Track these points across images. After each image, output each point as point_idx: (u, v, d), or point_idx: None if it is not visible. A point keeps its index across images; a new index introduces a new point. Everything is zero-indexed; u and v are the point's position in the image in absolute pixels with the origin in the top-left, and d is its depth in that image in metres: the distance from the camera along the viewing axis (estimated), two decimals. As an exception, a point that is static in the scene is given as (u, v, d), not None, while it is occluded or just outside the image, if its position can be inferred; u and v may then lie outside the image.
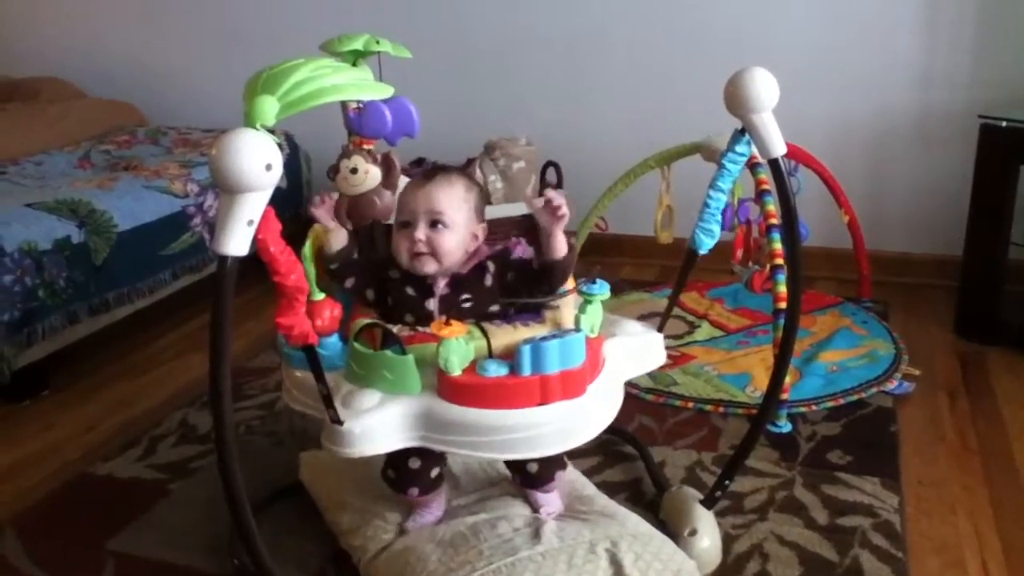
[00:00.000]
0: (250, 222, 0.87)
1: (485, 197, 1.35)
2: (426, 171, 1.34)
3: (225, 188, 0.85)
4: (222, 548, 1.45)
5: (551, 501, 1.42)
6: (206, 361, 0.93)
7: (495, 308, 1.29)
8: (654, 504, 1.54)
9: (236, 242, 0.87)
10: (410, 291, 1.29)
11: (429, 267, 1.27)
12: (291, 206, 2.80)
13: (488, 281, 1.29)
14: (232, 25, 3.19)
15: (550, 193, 1.23)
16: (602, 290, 1.23)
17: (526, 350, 1.13)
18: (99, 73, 3.34)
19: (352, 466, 1.55)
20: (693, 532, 1.40)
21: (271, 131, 0.87)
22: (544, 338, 1.15)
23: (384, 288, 1.32)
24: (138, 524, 1.57)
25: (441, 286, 1.28)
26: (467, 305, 1.28)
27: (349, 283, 1.30)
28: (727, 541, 1.45)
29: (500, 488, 1.48)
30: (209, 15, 3.23)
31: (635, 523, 1.37)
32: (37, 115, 2.95)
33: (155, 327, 2.44)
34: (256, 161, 0.84)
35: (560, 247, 1.24)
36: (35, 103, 3.07)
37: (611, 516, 1.39)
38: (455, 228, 1.28)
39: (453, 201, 1.29)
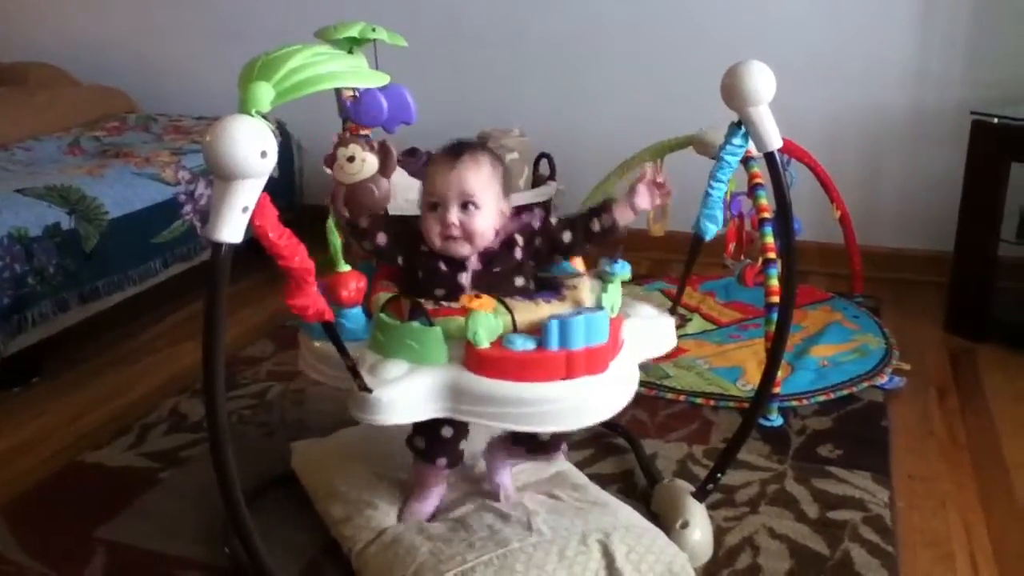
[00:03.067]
0: (245, 209, 0.87)
1: (507, 173, 1.36)
2: (452, 148, 1.33)
3: (220, 174, 0.85)
4: (213, 537, 1.45)
5: (507, 482, 1.44)
6: (197, 349, 0.93)
7: (520, 283, 1.30)
8: (646, 496, 1.54)
9: (230, 229, 0.86)
10: (442, 266, 1.29)
11: (463, 250, 1.28)
12: (284, 195, 2.80)
13: (518, 254, 1.30)
14: (225, 12, 3.17)
15: (661, 178, 1.29)
16: (623, 270, 1.25)
17: (554, 325, 1.14)
18: (89, 59, 3.32)
19: (345, 456, 1.55)
20: (685, 524, 1.40)
21: (265, 118, 0.87)
22: (571, 314, 1.16)
23: (413, 259, 1.31)
24: (129, 513, 1.56)
25: (474, 262, 1.28)
26: (498, 276, 1.28)
27: (381, 239, 1.29)
28: (718, 534, 1.45)
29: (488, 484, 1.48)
30: (201, 1, 3.21)
31: (627, 515, 1.38)
32: (26, 101, 2.92)
33: (146, 315, 2.43)
34: (251, 147, 0.84)
35: (630, 216, 1.29)
36: (24, 89, 3.04)
37: (603, 507, 1.39)
38: (486, 209, 1.28)
39: (482, 180, 1.29)
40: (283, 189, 2.80)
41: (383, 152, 1.29)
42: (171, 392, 2.01)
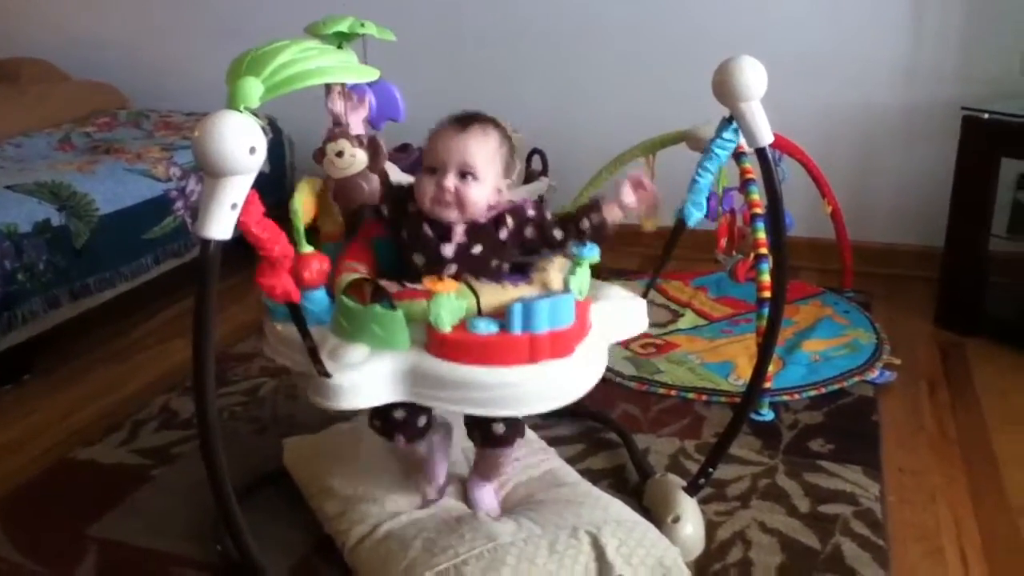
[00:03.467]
0: (234, 205, 0.86)
1: (513, 153, 1.33)
2: (461, 117, 1.30)
3: (209, 171, 0.85)
4: (205, 534, 1.44)
5: (487, 500, 1.42)
6: (189, 346, 0.92)
7: (496, 264, 1.28)
8: (638, 491, 1.55)
9: (219, 226, 0.86)
10: (428, 230, 1.26)
11: (451, 215, 1.25)
12: (274, 191, 2.79)
13: (503, 235, 1.27)
14: (216, 8, 3.16)
15: (647, 181, 1.27)
16: (591, 253, 1.24)
17: (517, 308, 1.13)
18: (81, 55, 3.30)
19: (337, 451, 1.55)
20: (676, 519, 1.41)
21: (255, 114, 0.86)
22: (535, 298, 1.15)
23: (400, 217, 1.29)
24: (121, 510, 1.56)
25: (459, 232, 1.25)
26: (479, 255, 1.26)
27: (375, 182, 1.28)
28: (710, 528, 1.46)
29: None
30: (192, -3, 3.20)
31: (618, 509, 1.38)
32: (17, 97, 2.91)
33: (137, 312, 2.43)
34: (240, 144, 0.83)
35: (618, 215, 1.28)
36: (15, 84, 3.03)
37: (595, 502, 1.39)
38: (484, 181, 1.26)
39: (487, 154, 1.26)
40: (274, 185, 2.80)
41: (372, 148, 1.29)
42: (162, 389, 2.01)
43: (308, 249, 1.18)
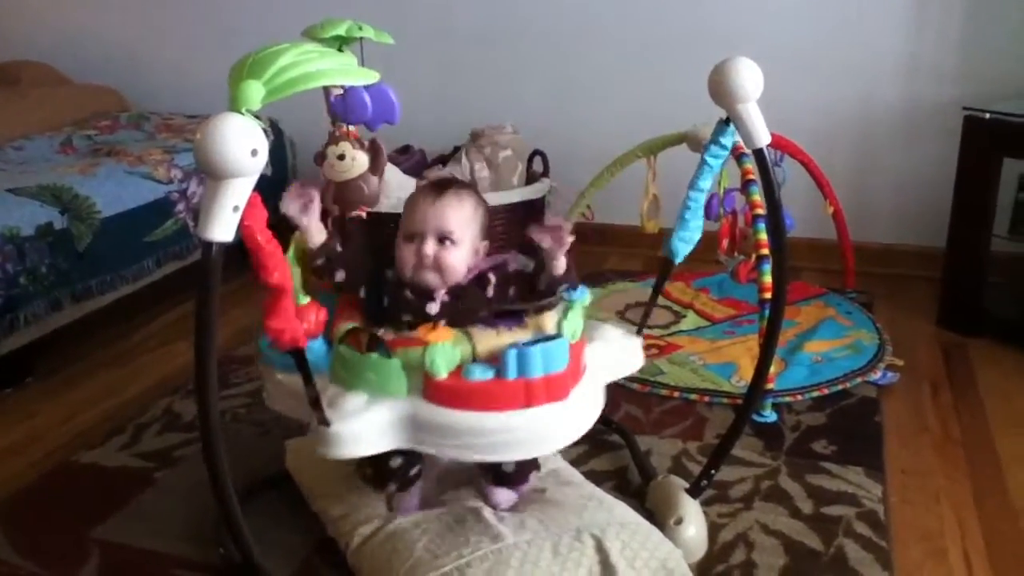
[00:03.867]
0: (235, 208, 0.86)
1: (488, 216, 1.35)
2: (436, 184, 1.32)
3: (210, 173, 0.85)
4: (207, 537, 1.44)
5: (504, 496, 1.42)
6: (191, 349, 0.92)
7: (485, 314, 1.28)
8: (640, 493, 1.55)
9: (221, 228, 0.86)
10: (409, 294, 1.27)
11: (432, 280, 1.27)
12: (277, 194, 2.78)
13: (490, 292, 1.29)
14: (217, 11, 3.16)
15: (554, 220, 1.24)
16: (582, 296, 1.26)
17: (511, 355, 1.14)
18: (81, 58, 3.30)
19: (338, 455, 1.55)
20: (679, 521, 1.40)
21: (256, 116, 0.86)
22: (529, 343, 1.17)
23: (378, 287, 1.30)
24: (123, 513, 1.56)
25: (441, 294, 1.27)
26: (464, 310, 1.27)
27: (339, 276, 1.28)
28: (713, 530, 1.45)
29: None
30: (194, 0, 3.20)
31: (622, 511, 1.38)
32: (18, 100, 2.91)
33: (139, 314, 2.43)
34: (242, 146, 0.83)
35: (561, 265, 1.25)
36: (17, 88, 3.03)
37: (598, 503, 1.39)
38: (462, 245, 1.28)
39: (462, 219, 1.29)
40: (276, 188, 2.78)
41: (373, 150, 1.30)
42: (165, 392, 2.01)
43: (305, 300, 1.18)
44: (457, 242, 1.27)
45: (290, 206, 1.19)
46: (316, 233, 1.24)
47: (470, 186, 1.36)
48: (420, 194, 1.32)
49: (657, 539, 1.32)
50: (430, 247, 1.26)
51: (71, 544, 1.48)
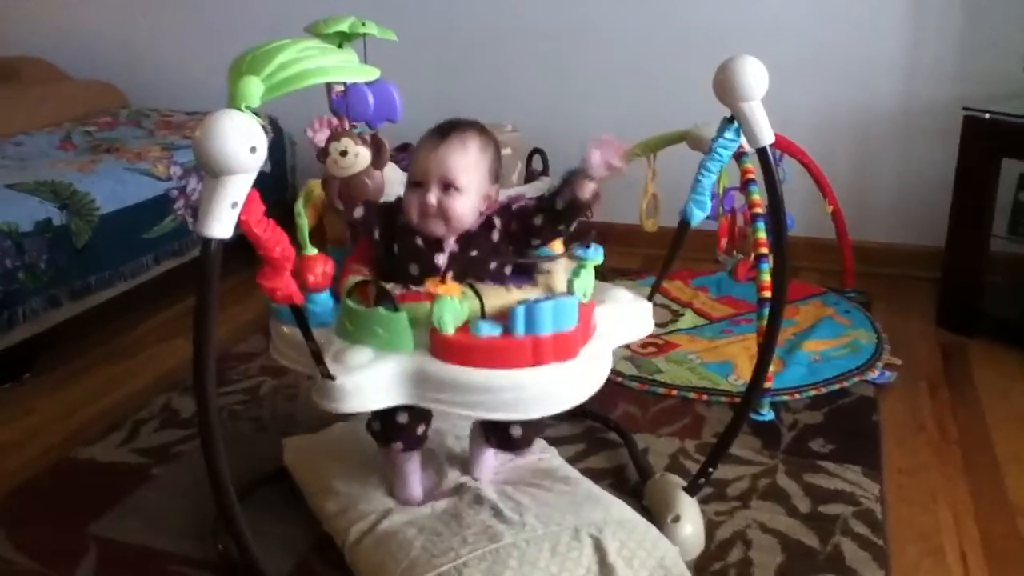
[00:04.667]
0: (234, 205, 0.86)
1: (499, 157, 1.32)
2: (442, 127, 1.29)
3: (209, 170, 0.85)
4: (205, 533, 1.45)
5: (487, 467, 1.43)
6: (189, 345, 0.92)
7: (495, 266, 1.27)
8: (638, 491, 1.55)
9: (220, 225, 0.86)
10: (420, 242, 1.26)
11: (438, 229, 1.25)
12: (276, 191, 2.79)
13: (495, 237, 1.27)
14: (217, 7, 3.16)
15: (616, 142, 1.20)
16: (596, 255, 1.23)
17: (520, 311, 1.13)
18: (81, 54, 3.30)
19: (337, 450, 1.55)
20: (676, 519, 1.41)
21: (256, 113, 0.86)
22: (538, 300, 1.15)
23: (391, 233, 1.29)
24: (121, 509, 1.56)
25: (451, 242, 1.25)
26: (474, 260, 1.25)
27: (358, 212, 1.27)
28: (710, 528, 1.46)
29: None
30: (193, -3, 3.20)
31: (620, 509, 1.38)
32: (18, 96, 2.91)
33: (138, 311, 2.43)
34: (241, 143, 0.83)
35: (591, 189, 1.21)
36: (16, 84, 3.03)
37: (595, 502, 1.39)
38: (467, 192, 1.25)
39: (467, 164, 1.25)
40: (276, 184, 2.80)
41: (376, 146, 1.29)
42: (163, 388, 2.01)
43: (312, 251, 1.18)
44: (462, 189, 1.24)
45: (319, 135, 1.21)
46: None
47: (477, 126, 1.32)
48: (424, 140, 1.29)
49: (655, 537, 1.32)
50: (433, 196, 1.24)
51: (69, 540, 1.48)
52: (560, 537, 1.29)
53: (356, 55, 1.20)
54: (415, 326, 1.15)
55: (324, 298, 1.21)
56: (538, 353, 1.14)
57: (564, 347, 1.15)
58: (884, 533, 1.47)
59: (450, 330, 1.13)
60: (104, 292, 2.27)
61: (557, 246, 1.36)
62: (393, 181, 1.41)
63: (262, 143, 0.85)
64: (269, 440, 1.70)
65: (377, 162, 1.30)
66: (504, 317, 1.16)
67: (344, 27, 1.35)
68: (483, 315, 1.18)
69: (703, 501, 1.50)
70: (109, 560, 1.44)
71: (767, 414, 1.83)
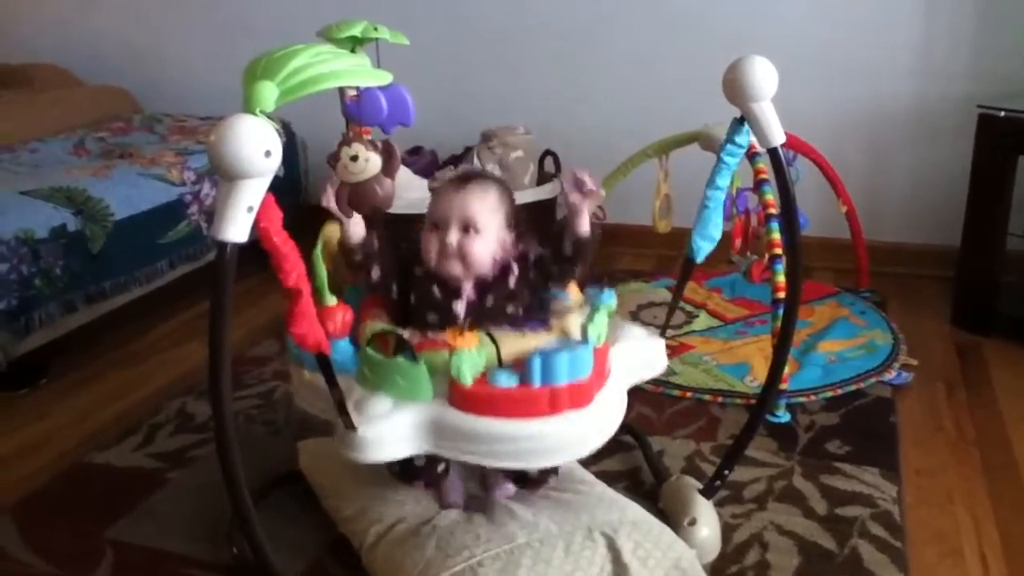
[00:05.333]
0: (249, 209, 0.86)
1: (515, 208, 1.35)
2: (462, 175, 1.33)
3: (224, 174, 0.85)
4: (220, 537, 1.45)
5: (507, 489, 1.43)
6: (204, 350, 0.93)
7: (511, 310, 1.28)
8: (653, 494, 1.54)
9: (236, 229, 0.86)
10: (436, 291, 1.28)
11: (456, 270, 1.27)
12: (289, 195, 2.79)
13: (512, 283, 1.29)
14: (230, 12, 3.17)
15: (579, 172, 1.23)
16: (609, 300, 1.25)
17: (536, 362, 1.14)
18: (94, 60, 3.32)
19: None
20: (693, 522, 1.40)
21: (270, 117, 0.86)
22: (554, 350, 1.16)
23: (407, 284, 1.31)
24: (136, 513, 1.57)
25: (468, 289, 1.27)
26: (491, 307, 1.27)
27: (375, 274, 1.29)
28: (726, 530, 1.45)
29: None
30: (206, 1, 3.21)
31: (634, 511, 1.37)
32: (31, 102, 2.93)
33: (153, 316, 2.44)
34: (255, 147, 0.83)
35: (586, 224, 1.26)
36: (29, 90, 3.05)
37: (610, 503, 1.39)
38: (486, 235, 1.28)
39: (487, 209, 1.29)
40: (289, 189, 2.80)
41: (387, 152, 1.29)
42: (178, 392, 2.01)
43: (332, 301, 1.19)
44: (481, 231, 1.27)
45: (332, 202, 1.21)
46: (355, 229, 1.26)
47: (496, 178, 1.36)
48: (445, 185, 1.32)
49: (670, 539, 1.32)
50: (453, 235, 1.26)
51: (85, 544, 1.49)
52: (574, 537, 1.29)
53: (369, 59, 1.20)
54: (433, 373, 1.17)
55: (344, 345, 1.22)
56: (554, 402, 1.15)
57: (580, 395, 1.17)
58: (902, 535, 1.46)
59: (468, 382, 1.15)
60: (119, 297, 2.28)
61: (574, 292, 1.37)
62: (404, 184, 1.41)
63: (277, 147, 0.85)
64: (283, 443, 1.71)
65: (388, 169, 1.30)
66: (520, 364, 1.17)
67: (356, 31, 1.35)
68: (500, 362, 1.20)
69: (719, 503, 1.49)
70: (125, 564, 1.44)
71: (783, 416, 1.82)
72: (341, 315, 1.18)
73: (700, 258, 1.38)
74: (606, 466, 1.65)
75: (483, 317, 1.25)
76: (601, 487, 1.46)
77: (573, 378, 1.16)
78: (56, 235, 2.07)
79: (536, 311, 1.31)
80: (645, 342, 1.39)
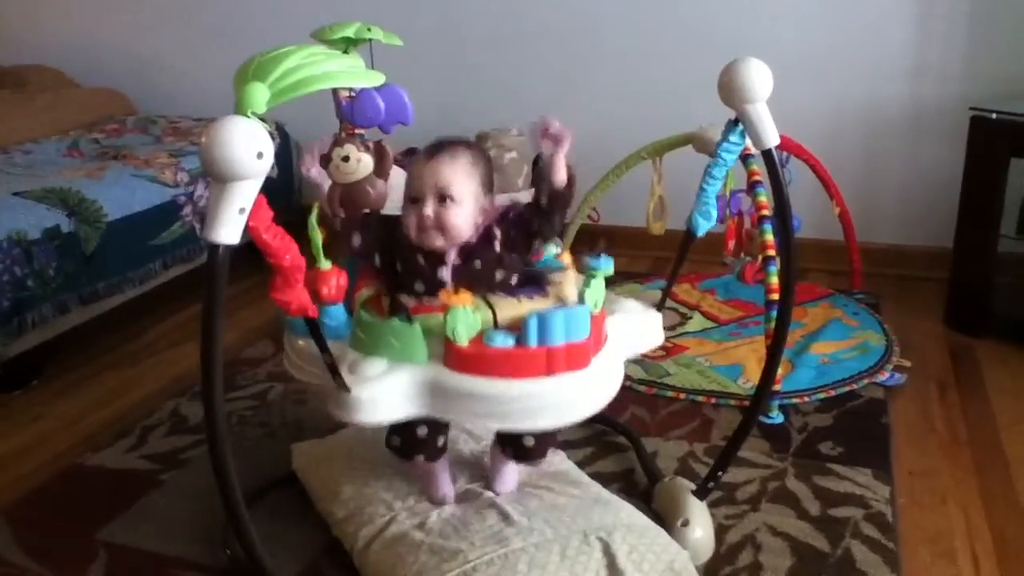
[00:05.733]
0: (242, 210, 0.87)
1: (491, 170, 1.33)
2: (432, 146, 1.31)
3: (216, 176, 0.85)
4: (214, 539, 1.45)
5: (509, 481, 1.43)
6: (197, 351, 0.93)
7: (501, 276, 1.27)
8: (647, 495, 1.54)
9: (228, 230, 0.86)
10: (421, 260, 1.27)
11: (437, 241, 1.26)
12: (282, 196, 2.79)
13: (496, 247, 1.28)
14: (223, 14, 3.17)
15: (547, 119, 1.21)
16: (606, 265, 1.24)
17: (533, 321, 1.13)
18: (88, 61, 3.32)
19: (345, 455, 1.55)
20: (686, 523, 1.40)
21: (262, 119, 0.86)
22: (550, 310, 1.15)
23: (392, 254, 1.29)
24: (129, 515, 1.56)
25: (452, 256, 1.26)
26: (479, 271, 1.26)
27: (356, 240, 1.28)
28: (720, 531, 1.45)
29: (485, 481, 1.48)
30: (200, 3, 3.21)
31: (629, 513, 1.37)
32: (26, 103, 2.93)
33: (146, 317, 2.43)
34: (247, 149, 0.84)
35: (562, 175, 1.24)
36: (24, 91, 3.04)
37: (605, 505, 1.39)
38: (463, 203, 1.26)
39: (459, 175, 1.27)
40: (282, 190, 2.80)
41: (378, 152, 1.29)
42: (172, 394, 2.01)
43: (327, 265, 1.18)
44: (457, 199, 1.25)
45: (312, 170, 1.20)
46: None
47: (467, 142, 1.34)
48: (418, 156, 1.31)
49: (664, 541, 1.32)
50: (430, 207, 1.25)
51: (78, 545, 1.48)
52: (570, 541, 1.29)
53: (362, 60, 1.20)
54: (428, 337, 1.16)
55: (338, 311, 1.22)
56: (551, 363, 1.14)
57: (577, 357, 1.16)
58: (895, 536, 1.46)
59: (464, 341, 1.14)
60: (112, 299, 2.28)
61: (566, 257, 1.36)
62: (398, 185, 1.41)
63: (269, 149, 0.85)
64: (278, 445, 1.71)
65: (380, 170, 1.30)
66: (517, 328, 1.16)
67: (350, 32, 1.35)
68: (496, 326, 1.19)
69: (712, 505, 1.49)
70: (118, 566, 1.44)
71: (776, 417, 1.82)
72: (335, 279, 1.18)
73: (700, 232, 1.38)
74: (600, 467, 1.66)
75: (473, 281, 1.23)
76: (595, 489, 1.46)
77: (570, 339, 1.14)
78: (49, 236, 2.06)
79: (531, 278, 1.29)
80: (641, 315, 1.38)
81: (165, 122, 2.98)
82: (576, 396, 1.16)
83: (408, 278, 1.27)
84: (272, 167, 0.87)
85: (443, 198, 1.25)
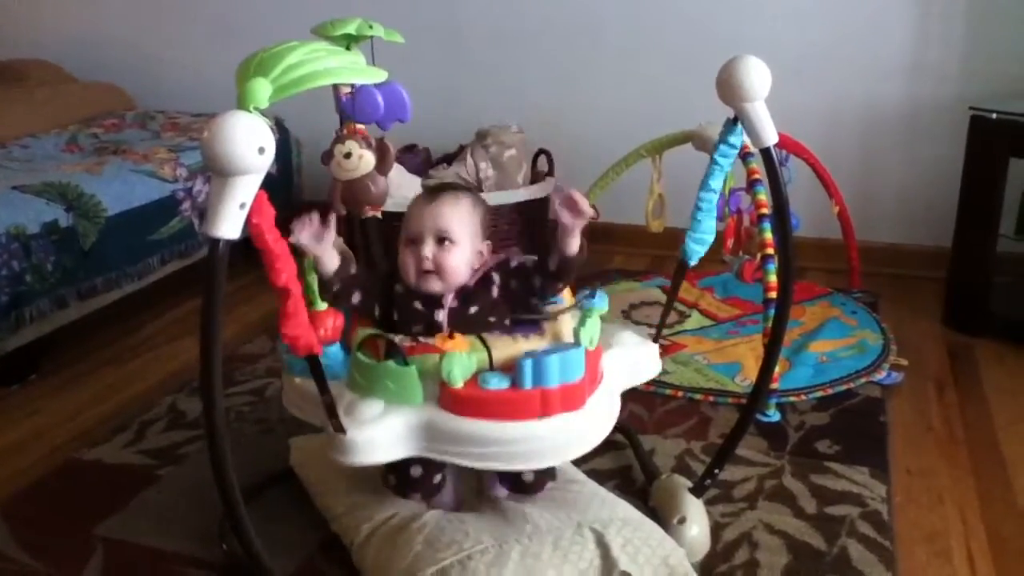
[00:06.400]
0: (242, 205, 0.87)
1: (488, 216, 1.35)
2: (432, 188, 1.33)
3: (217, 171, 0.85)
4: (211, 534, 1.45)
5: (504, 489, 1.43)
6: (196, 347, 0.93)
7: (495, 320, 1.28)
8: (644, 492, 1.54)
9: (228, 225, 0.86)
10: (418, 305, 1.28)
11: (435, 286, 1.27)
12: (282, 192, 2.79)
13: (495, 292, 1.30)
14: (224, 9, 3.17)
15: (572, 192, 1.21)
16: (601, 304, 1.25)
17: (527, 364, 1.14)
18: (87, 56, 3.31)
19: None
20: (682, 520, 1.40)
21: (263, 114, 0.87)
22: (545, 352, 1.16)
23: (389, 302, 1.31)
24: (127, 510, 1.56)
25: (449, 299, 1.27)
26: (474, 315, 1.27)
27: (356, 298, 1.29)
28: (716, 529, 1.45)
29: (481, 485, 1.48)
30: (200, -2, 3.21)
31: (624, 509, 1.38)
32: (24, 98, 2.92)
33: (144, 312, 2.43)
34: (249, 144, 0.84)
35: (576, 244, 1.24)
36: (22, 86, 3.03)
37: (601, 501, 1.39)
38: (461, 245, 1.28)
39: (459, 218, 1.29)
40: (282, 186, 2.80)
41: (380, 149, 1.30)
42: (169, 389, 2.01)
43: (322, 306, 1.20)
44: (456, 242, 1.27)
45: (302, 236, 1.18)
46: (329, 261, 1.23)
47: (467, 188, 1.37)
48: (416, 201, 1.32)
49: (659, 536, 1.32)
50: (428, 248, 1.27)
51: (75, 541, 1.48)
52: (563, 532, 1.29)
53: (363, 57, 1.20)
54: (424, 378, 1.17)
55: (335, 351, 1.23)
56: (546, 405, 1.15)
57: (572, 397, 1.17)
58: (891, 534, 1.46)
59: (459, 384, 1.15)
60: (110, 293, 2.27)
61: (567, 296, 1.37)
62: (398, 182, 1.41)
63: (270, 144, 0.85)
64: (275, 441, 1.71)
65: (381, 167, 1.31)
66: (512, 368, 1.17)
67: (351, 29, 1.35)
68: (491, 366, 1.20)
69: (709, 502, 1.50)
70: (116, 561, 1.44)
71: (773, 415, 1.82)
72: (332, 320, 1.19)
73: (694, 261, 1.39)
74: (597, 464, 1.66)
75: (468, 325, 1.25)
76: (592, 485, 1.46)
77: (565, 380, 1.16)
78: (48, 231, 2.06)
79: (528, 315, 1.30)
80: (638, 348, 1.39)
81: (164, 117, 2.97)
82: (572, 437, 1.18)
83: (406, 323, 1.28)
84: (272, 163, 0.87)
85: (442, 240, 1.27)
